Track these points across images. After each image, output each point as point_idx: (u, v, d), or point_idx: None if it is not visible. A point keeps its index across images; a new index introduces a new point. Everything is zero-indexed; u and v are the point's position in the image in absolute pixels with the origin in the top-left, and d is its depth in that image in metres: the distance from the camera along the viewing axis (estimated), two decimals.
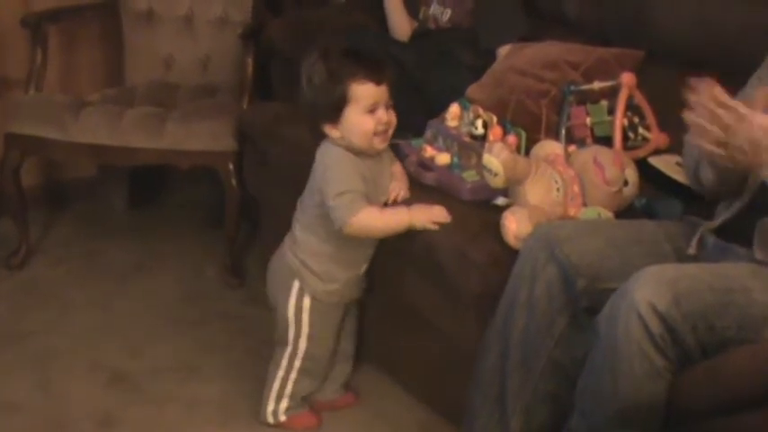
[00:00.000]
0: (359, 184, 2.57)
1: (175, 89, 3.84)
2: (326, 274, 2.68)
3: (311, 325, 2.72)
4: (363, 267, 2.74)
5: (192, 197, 4.21)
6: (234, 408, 2.94)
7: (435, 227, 2.60)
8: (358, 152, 2.58)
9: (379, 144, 2.59)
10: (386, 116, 2.56)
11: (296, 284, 2.69)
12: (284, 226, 2.70)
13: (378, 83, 2.53)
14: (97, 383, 3.02)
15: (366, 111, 2.53)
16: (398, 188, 2.75)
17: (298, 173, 3.04)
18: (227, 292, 3.57)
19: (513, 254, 2.44)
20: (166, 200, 4.25)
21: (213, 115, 3.54)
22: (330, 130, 2.57)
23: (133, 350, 3.18)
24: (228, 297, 3.54)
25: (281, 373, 2.78)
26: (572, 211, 2.57)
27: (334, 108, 2.54)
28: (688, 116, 2.11)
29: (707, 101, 2.08)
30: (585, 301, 2.29)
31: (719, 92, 2.09)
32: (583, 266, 2.28)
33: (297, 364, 2.77)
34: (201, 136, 3.47)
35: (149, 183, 4.20)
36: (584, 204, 2.58)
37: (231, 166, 3.49)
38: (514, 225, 2.48)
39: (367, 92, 2.53)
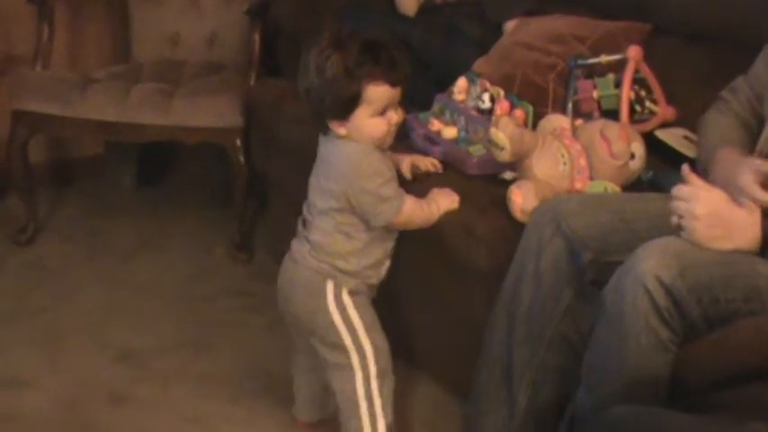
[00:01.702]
0: (392, 173, 2.45)
1: (182, 66, 3.85)
2: (357, 272, 2.51)
3: (362, 317, 2.51)
4: (387, 264, 2.58)
5: (199, 175, 4.21)
6: (243, 384, 2.94)
7: (457, 206, 2.58)
8: None
9: (389, 141, 2.45)
10: (396, 117, 2.40)
11: (329, 285, 2.49)
12: (292, 202, 2.68)
13: (393, 85, 2.35)
14: (105, 361, 3.03)
15: (377, 113, 2.36)
16: (414, 162, 2.72)
17: (304, 149, 3.04)
18: (235, 268, 3.59)
19: (519, 228, 2.43)
20: (174, 178, 4.26)
21: (220, 91, 3.55)
22: (336, 127, 2.39)
23: (141, 328, 3.19)
24: (237, 274, 3.55)
25: (361, 392, 2.50)
26: (578, 185, 2.57)
27: (345, 106, 2.35)
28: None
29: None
30: (592, 275, 2.29)
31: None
32: (589, 240, 2.29)
33: (372, 368, 2.50)
34: (208, 112, 3.49)
35: (157, 161, 4.20)
36: (591, 178, 2.58)
37: (238, 143, 3.50)
38: (521, 199, 2.48)
39: (381, 94, 2.34)
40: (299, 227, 2.57)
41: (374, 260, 2.54)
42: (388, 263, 2.59)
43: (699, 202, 2.07)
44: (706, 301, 2.02)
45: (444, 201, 2.58)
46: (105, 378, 2.96)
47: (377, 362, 2.51)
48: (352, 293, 2.51)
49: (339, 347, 2.51)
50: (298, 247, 2.54)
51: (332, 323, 2.50)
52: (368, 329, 2.51)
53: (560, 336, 2.34)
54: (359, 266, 2.51)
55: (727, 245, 2.07)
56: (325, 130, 2.44)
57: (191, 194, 4.12)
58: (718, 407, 1.98)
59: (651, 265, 2.00)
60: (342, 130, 2.39)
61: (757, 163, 2.20)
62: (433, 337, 2.88)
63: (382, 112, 2.37)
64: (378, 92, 2.34)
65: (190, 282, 3.48)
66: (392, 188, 2.44)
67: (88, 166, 4.18)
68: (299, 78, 2.42)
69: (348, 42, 2.33)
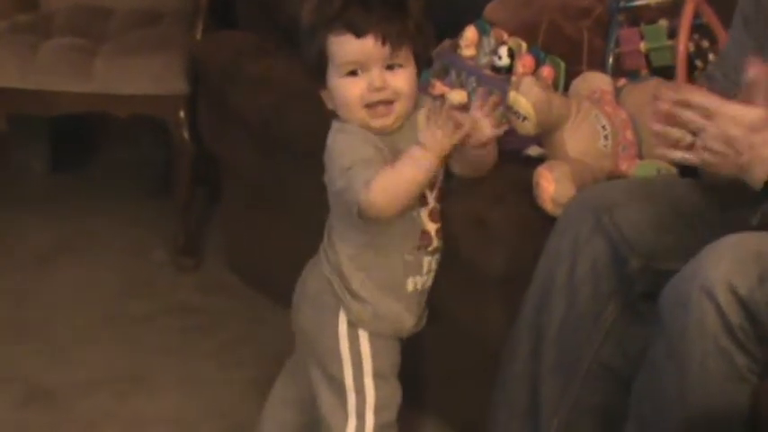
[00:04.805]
0: (367, 152, 2.37)
1: (107, 15, 3.86)
2: (369, 298, 2.47)
3: (374, 356, 2.50)
4: (408, 284, 2.51)
5: (131, 157, 4.24)
6: (189, 427, 2.96)
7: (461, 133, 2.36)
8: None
9: (375, 121, 2.37)
10: (379, 80, 2.33)
11: (342, 315, 2.49)
12: (251, 191, 2.68)
13: (358, 34, 2.31)
14: (9, 402, 3.03)
15: (344, 73, 2.34)
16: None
17: (268, 123, 3.03)
18: (179, 278, 3.61)
19: (548, 222, 2.44)
20: (99, 161, 4.28)
21: (157, 49, 3.57)
22: (325, 98, 2.42)
23: (58, 357, 3.20)
24: (181, 285, 3.58)
25: None
26: (624, 166, 2.58)
27: (316, 68, 2.39)
28: (653, 127, 2.20)
29: (670, 105, 2.15)
30: (642, 285, 2.30)
31: (686, 91, 2.17)
32: (638, 240, 2.29)
33: (369, 419, 2.50)
34: (142, 76, 3.51)
35: (76, 139, 4.23)
36: (640, 157, 2.59)
37: (182, 115, 3.52)
38: (552, 186, 2.48)
39: (342, 48, 2.33)
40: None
41: (385, 277, 2.48)
42: (409, 282, 2.51)
43: None
44: None
45: (437, 139, 2.34)
46: (9, 424, 2.95)
47: (377, 415, 2.51)
48: (371, 334, 2.50)
49: (336, 382, 2.50)
50: (323, 246, 2.55)
51: (335, 351, 2.50)
52: (378, 376, 2.50)
53: (601, 364, 2.34)
54: (369, 289, 2.47)
55: None
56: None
57: (121, 182, 4.13)
58: None
59: (723, 269, 2.00)
60: (329, 102, 2.41)
61: None
62: (437, 364, 2.88)
63: (354, 72, 2.35)
64: (338, 44, 2.34)
65: (121, 296, 3.50)
66: (351, 175, 2.35)
67: None
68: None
69: None
